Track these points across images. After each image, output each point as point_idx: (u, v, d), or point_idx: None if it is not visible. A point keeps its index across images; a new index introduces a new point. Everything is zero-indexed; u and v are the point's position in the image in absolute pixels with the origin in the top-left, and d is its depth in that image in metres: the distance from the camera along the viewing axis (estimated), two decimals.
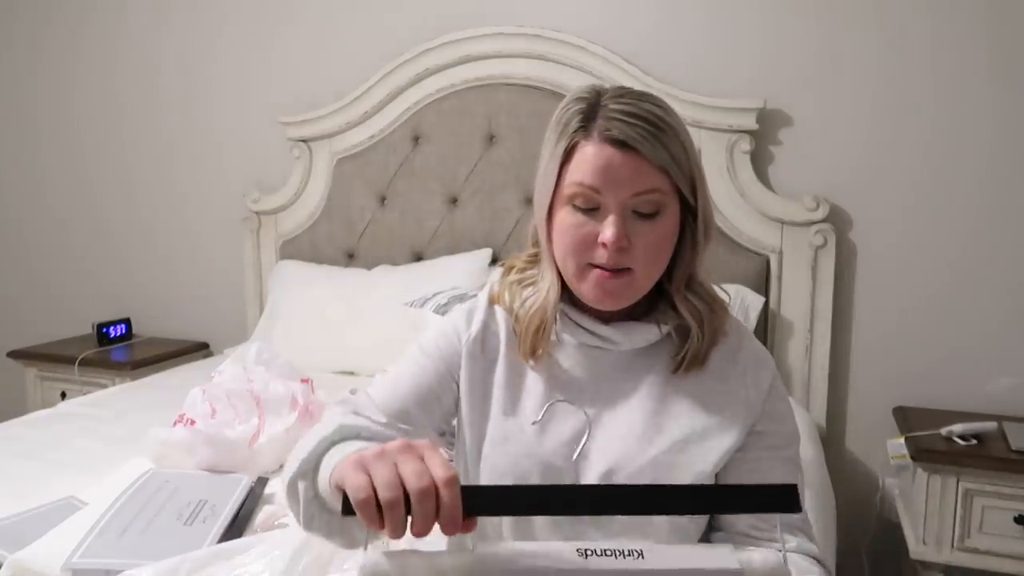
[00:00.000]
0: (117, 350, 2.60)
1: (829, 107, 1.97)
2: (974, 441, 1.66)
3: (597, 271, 0.80)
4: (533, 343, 0.86)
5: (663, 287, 0.86)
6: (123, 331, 2.71)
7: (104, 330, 2.63)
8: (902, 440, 1.71)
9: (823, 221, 1.94)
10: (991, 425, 1.70)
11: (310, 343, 2.12)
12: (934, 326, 1.93)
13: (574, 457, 0.83)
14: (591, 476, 0.82)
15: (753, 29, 2.02)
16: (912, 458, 1.68)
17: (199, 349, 2.69)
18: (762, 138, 2.01)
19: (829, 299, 1.96)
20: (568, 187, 0.81)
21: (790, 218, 1.96)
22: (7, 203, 3.02)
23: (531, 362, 0.88)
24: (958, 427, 1.68)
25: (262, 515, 1.18)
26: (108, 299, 2.86)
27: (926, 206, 1.92)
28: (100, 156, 2.83)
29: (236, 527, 1.15)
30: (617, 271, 0.80)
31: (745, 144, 1.99)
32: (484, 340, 0.90)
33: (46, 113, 2.90)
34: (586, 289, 0.82)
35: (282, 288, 2.35)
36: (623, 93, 0.82)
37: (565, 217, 0.82)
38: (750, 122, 1.96)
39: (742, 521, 0.84)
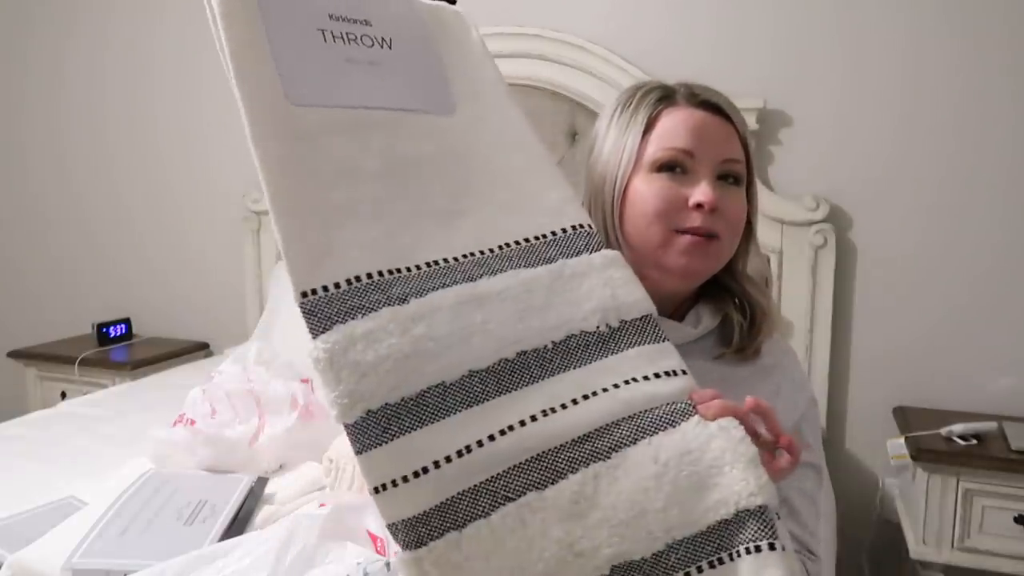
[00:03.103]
0: (117, 350, 2.59)
1: (829, 107, 1.97)
2: (974, 441, 1.66)
3: (687, 237, 0.77)
4: None
5: (709, 284, 0.85)
6: (123, 331, 2.71)
7: (104, 330, 2.63)
8: (902, 440, 1.71)
9: (823, 221, 1.94)
10: (991, 425, 1.70)
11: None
12: (934, 326, 1.93)
13: None
14: None
15: (753, 29, 2.02)
16: (912, 458, 1.68)
17: (199, 349, 2.69)
18: (762, 138, 2.01)
19: (829, 299, 1.96)
20: (654, 154, 0.79)
21: (790, 218, 1.96)
22: (5, 204, 3.02)
23: None
24: (958, 427, 1.68)
25: (262, 515, 1.18)
26: (108, 299, 2.86)
27: (926, 206, 1.92)
28: (99, 156, 2.83)
29: (236, 527, 1.15)
30: (707, 237, 0.78)
31: None
32: None
33: (43, 114, 2.89)
34: (672, 257, 0.78)
35: (282, 288, 2.35)
36: (686, 80, 0.85)
37: (648, 184, 0.79)
38: (750, 122, 1.96)
39: None
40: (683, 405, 0.63)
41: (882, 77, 1.92)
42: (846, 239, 1.98)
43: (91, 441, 1.63)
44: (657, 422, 0.62)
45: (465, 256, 0.66)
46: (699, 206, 0.77)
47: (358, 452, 0.56)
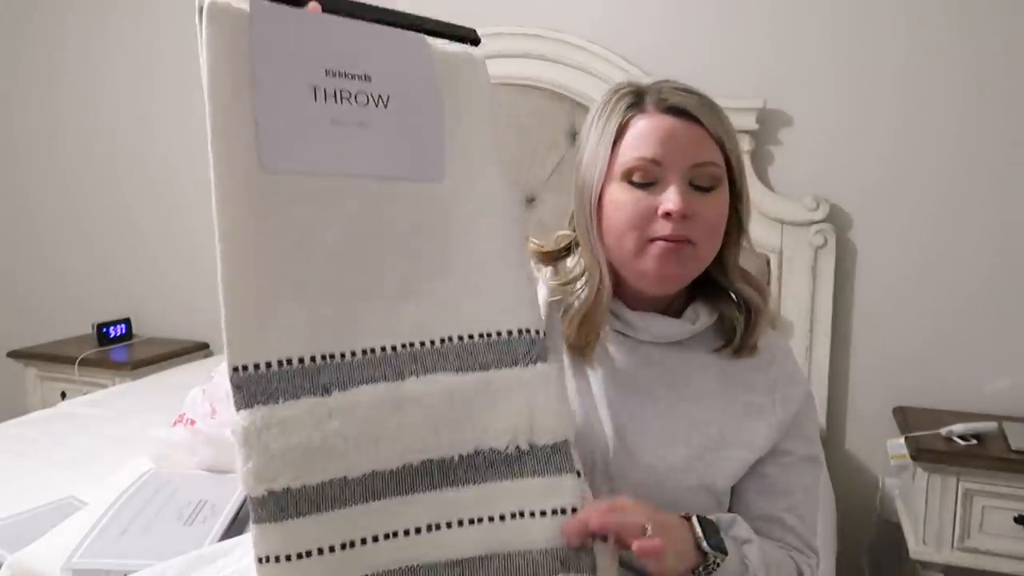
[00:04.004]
0: (117, 350, 2.59)
1: (829, 107, 1.97)
2: (974, 441, 1.66)
3: (659, 243, 0.77)
4: (584, 338, 0.83)
5: (704, 281, 0.85)
6: (123, 331, 2.71)
7: (104, 330, 2.63)
8: (902, 440, 1.71)
9: (823, 221, 1.94)
10: (991, 425, 1.70)
11: None
12: (934, 326, 1.93)
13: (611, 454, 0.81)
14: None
15: (753, 29, 2.02)
16: (912, 458, 1.68)
17: (199, 349, 2.69)
18: (762, 138, 2.01)
19: (829, 299, 1.96)
20: (624, 163, 0.79)
21: (790, 218, 1.96)
22: (5, 204, 3.02)
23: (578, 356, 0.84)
24: (958, 427, 1.68)
25: None
26: (108, 299, 2.86)
27: (926, 206, 1.92)
28: (98, 156, 2.82)
29: (236, 527, 1.15)
30: (680, 242, 0.77)
31: (745, 144, 1.98)
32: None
33: (41, 114, 2.89)
34: (648, 264, 0.78)
35: None
36: (667, 78, 0.83)
37: (619, 194, 0.79)
38: (750, 122, 1.96)
39: (757, 509, 0.84)
40: (548, 558, 0.65)
41: (882, 77, 1.92)
42: (846, 239, 1.98)
43: (91, 441, 1.63)
44: (517, 572, 0.64)
45: (404, 347, 0.67)
46: (668, 214, 0.76)
47: (253, 521, 0.60)
